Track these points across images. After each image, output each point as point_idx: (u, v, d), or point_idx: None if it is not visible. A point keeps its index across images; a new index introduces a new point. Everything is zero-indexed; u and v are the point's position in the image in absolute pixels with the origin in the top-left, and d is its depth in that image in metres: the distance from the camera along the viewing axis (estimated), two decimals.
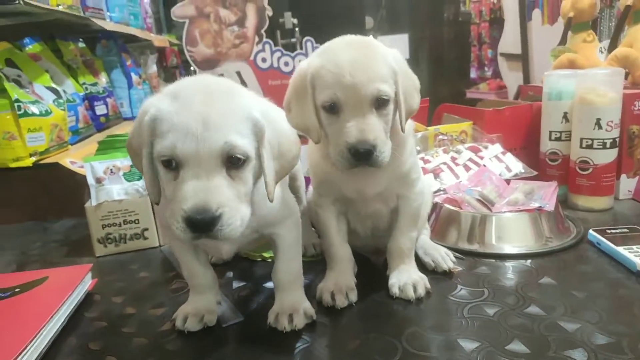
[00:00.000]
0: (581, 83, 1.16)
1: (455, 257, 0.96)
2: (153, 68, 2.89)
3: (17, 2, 1.38)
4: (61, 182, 1.48)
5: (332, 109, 0.76)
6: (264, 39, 2.37)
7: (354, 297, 0.84)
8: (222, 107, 0.63)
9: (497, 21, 4.53)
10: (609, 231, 0.99)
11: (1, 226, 1.48)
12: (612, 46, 1.39)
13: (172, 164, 0.63)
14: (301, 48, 1.41)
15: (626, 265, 0.88)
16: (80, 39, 2.22)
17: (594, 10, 1.48)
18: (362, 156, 0.73)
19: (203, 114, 0.61)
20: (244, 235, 0.76)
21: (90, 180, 1.16)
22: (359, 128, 0.73)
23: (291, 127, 0.78)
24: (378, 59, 0.76)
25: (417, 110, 0.82)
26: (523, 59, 3.84)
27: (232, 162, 0.63)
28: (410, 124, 0.87)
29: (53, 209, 1.52)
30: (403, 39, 5.57)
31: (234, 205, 0.62)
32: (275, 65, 1.47)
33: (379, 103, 0.75)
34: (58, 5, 1.73)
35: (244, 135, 0.64)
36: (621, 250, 0.90)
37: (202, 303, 0.81)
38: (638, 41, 1.29)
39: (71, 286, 0.88)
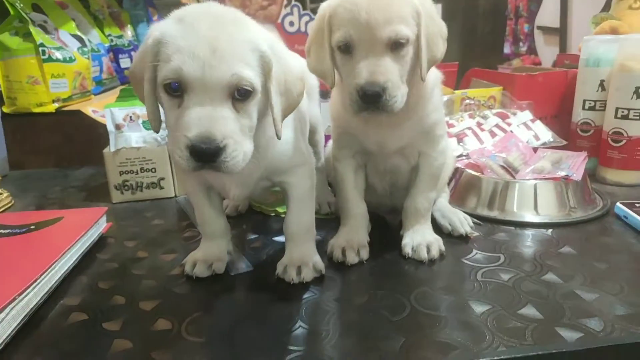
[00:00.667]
0: (623, 49, 1.09)
1: (474, 222, 0.93)
2: None
3: None
4: (83, 131, 1.49)
5: (346, 49, 0.72)
6: (293, 2, 2.31)
7: (365, 254, 0.82)
8: (230, 35, 0.61)
9: None
10: (638, 204, 0.94)
11: (26, 171, 1.51)
12: None
13: (177, 89, 0.61)
14: None
15: None
16: None
17: None
18: (370, 99, 0.69)
19: (210, 40, 0.59)
20: (254, 180, 0.75)
21: (110, 127, 1.16)
22: (370, 70, 0.70)
23: (310, 71, 0.76)
24: None
25: (441, 59, 0.77)
26: (561, 32, 3.66)
27: (239, 94, 0.61)
28: (437, 75, 0.83)
29: (75, 156, 1.54)
30: (436, 8, 5.40)
31: (238, 139, 0.61)
32: (303, 29, 1.43)
33: (396, 45, 0.71)
34: None
35: (251, 67, 0.61)
36: None
37: (212, 250, 0.81)
38: None
39: (85, 226, 0.88)
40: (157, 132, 0.69)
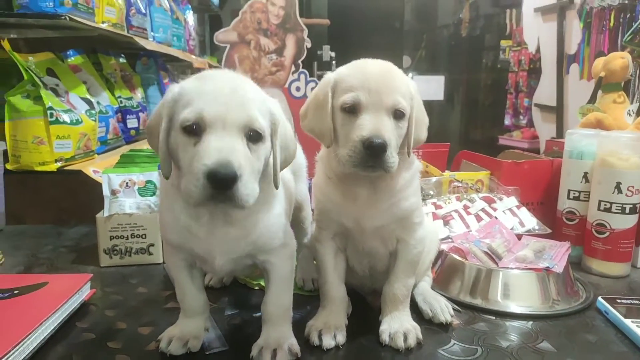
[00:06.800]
0: (603, 144, 1.13)
1: (454, 309, 0.93)
2: None
3: (63, 17, 1.46)
4: (83, 190, 1.52)
5: (352, 110, 0.79)
6: (300, 69, 2.41)
7: (341, 338, 0.82)
8: (244, 89, 0.70)
9: (535, 71, 4.51)
10: (619, 300, 0.94)
11: (22, 226, 1.53)
12: None
13: (194, 130, 0.66)
14: None
15: (632, 340, 0.84)
16: (122, 55, 2.31)
17: (626, 72, 1.45)
18: (375, 149, 0.74)
19: (229, 88, 0.67)
20: (240, 250, 0.76)
21: (106, 192, 1.20)
22: (375, 125, 0.76)
23: (305, 131, 0.85)
24: (400, 78, 0.82)
25: (423, 141, 0.87)
26: (557, 111, 3.79)
27: (251, 137, 0.68)
28: (418, 166, 0.89)
29: (73, 214, 1.57)
30: (439, 81, 5.61)
31: (250, 174, 0.66)
32: (309, 95, 1.51)
33: (396, 114, 0.79)
34: (103, 22, 1.82)
35: (262, 116, 0.70)
36: (629, 322, 0.86)
37: (190, 327, 0.81)
38: None
39: (67, 294, 0.89)
40: (167, 176, 0.73)
